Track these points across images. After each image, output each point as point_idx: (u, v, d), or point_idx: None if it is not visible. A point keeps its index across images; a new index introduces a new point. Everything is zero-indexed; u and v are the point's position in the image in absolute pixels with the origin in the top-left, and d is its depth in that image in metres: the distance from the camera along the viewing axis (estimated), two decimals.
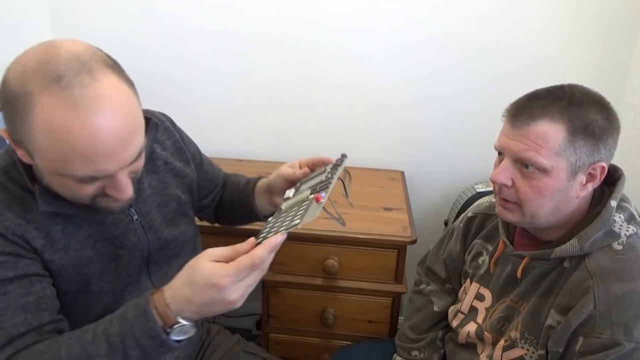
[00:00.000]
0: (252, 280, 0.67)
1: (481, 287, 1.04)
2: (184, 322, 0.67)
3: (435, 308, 1.16)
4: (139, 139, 0.72)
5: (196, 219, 1.08)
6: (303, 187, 0.92)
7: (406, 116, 1.73)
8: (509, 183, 0.86)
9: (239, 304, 0.67)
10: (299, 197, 0.85)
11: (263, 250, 0.65)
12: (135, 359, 0.69)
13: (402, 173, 1.76)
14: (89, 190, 0.72)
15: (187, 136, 1.04)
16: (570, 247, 0.85)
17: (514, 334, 0.92)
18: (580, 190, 0.85)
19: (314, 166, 1.00)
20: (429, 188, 1.81)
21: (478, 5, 1.58)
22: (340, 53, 1.68)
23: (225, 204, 1.14)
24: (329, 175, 0.88)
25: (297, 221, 0.69)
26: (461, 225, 1.14)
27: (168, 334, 0.67)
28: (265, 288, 1.41)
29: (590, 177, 0.84)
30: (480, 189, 1.60)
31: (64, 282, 0.80)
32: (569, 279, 0.85)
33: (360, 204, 1.47)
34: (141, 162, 0.77)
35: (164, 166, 0.95)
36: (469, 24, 1.60)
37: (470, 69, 1.65)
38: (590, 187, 0.85)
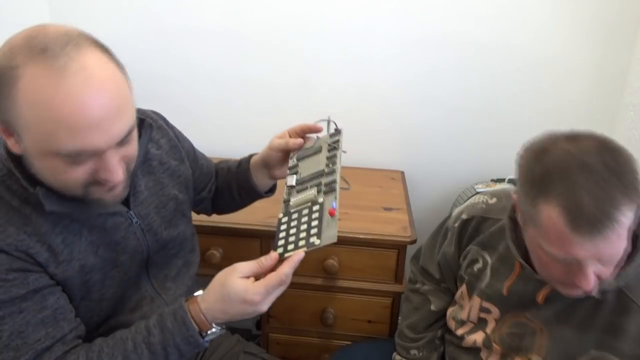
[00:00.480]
0: (278, 293, 0.78)
1: (484, 301, 1.00)
2: (216, 327, 0.78)
3: (433, 307, 1.15)
4: (128, 117, 0.70)
5: (193, 216, 1.07)
6: (303, 171, 0.95)
7: (406, 116, 1.73)
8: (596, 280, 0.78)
9: (265, 310, 0.78)
10: (306, 195, 0.89)
11: (289, 267, 0.76)
12: None
13: (402, 173, 1.76)
14: (79, 174, 0.69)
15: (180, 133, 1.04)
16: (608, 284, 0.80)
17: (535, 357, 0.91)
18: None
19: (303, 133, 1.01)
20: (429, 188, 1.81)
21: (478, 5, 1.58)
22: (340, 53, 1.68)
23: (221, 191, 1.14)
24: (330, 165, 0.92)
25: (318, 242, 0.78)
26: (455, 226, 1.08)
27: (203, 338, 0.78)
28: None
29: None
30: (480, 189, 1.60)
31: (67, 291, 0.79)
32: (618, 319, 0.83)
33: (360, 204, 1.47)
34: (132, 148, 0.75)
35: (159, 166, 0.94)
36: (469, 24, 1.60)
37: (470, 68, 1.65)
38: None
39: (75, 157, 0.67)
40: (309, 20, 1.65)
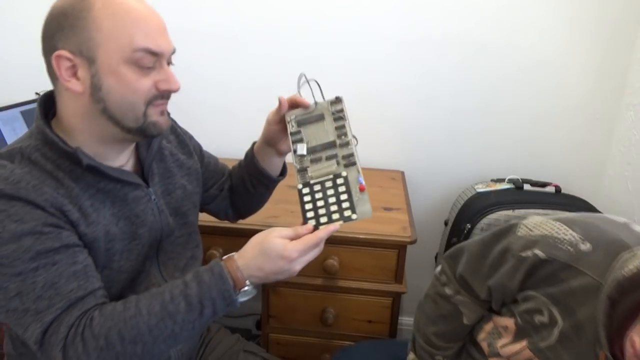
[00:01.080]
0: (311, 257, 0.83)
1: (536, 358, 0.86)
2: (249, 287, 0.81)
3: (465, 321, 1.00)
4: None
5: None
6: (310, 139, 0.94)
7: (406, 116, 1.73)
8: None
9: (296, 273, 0.82)
10: (325, 167, 0.90)
11: (324, 232, 0.82)
12: (206, 317, 0.78)
13: (402, 173, 1.76)
14: (146, 85, 0.80)
15: (186, 131, 1.09)
16: None
17: None
18: None
19: (293, 103, 1.00)
20: (429, 188, 1.81)
21: (478, 6, 1.58)
22: (340, 53, 1.68)
23: (237, 189, 1.15)
24: (342, 137, 0.93)
25: (355, 216, 0.85)
26: (525, 256, 0.85)
27: (237, 295, 0.80)
28: (265, 288, 1.41)
29: None
30: (481, 189, 1.60)
31: (94, 255, 0.82)
32: None
33: None
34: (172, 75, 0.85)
35: (170, 157, 0.99)
36: (469, 24, 1.60)
37: (470, 69, 1.65)
38: None
39: (146, 62, 0.78)
40: (308, 20, 1.65)
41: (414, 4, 1.60)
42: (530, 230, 0.88)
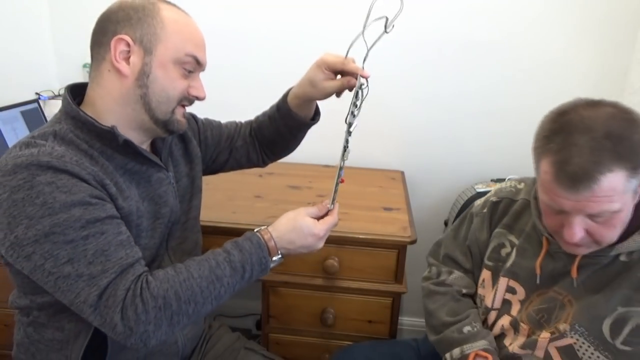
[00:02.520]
0: (327, 234, 0.97)
1: (511, 280, 1.02)
2: (278, 257, 0.92)
3: (465, 291, 1.13)
4: None
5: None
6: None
7: (406, 116, 1.73)
8: (584, 234, 0.85)
9: (320, 248, 0.96)
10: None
11: (337, 214, 0.98)
12: (246, 280, 0.88)
13: (402, 173, 1.76)
14: (183, 86, 0.89)
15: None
16: (634, 243, 0.87)
17: (563, 326, 0.92)
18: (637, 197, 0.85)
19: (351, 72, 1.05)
20: (429, 188, 1.81)
21: (478, 6, 1.58)
22: (340, 53, 1.68)
23: (272, 136, 1.19)
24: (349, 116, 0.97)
25: (331, 206, 0.98)
26: (485, 211, 1.10)
27: (271, 262, 0.91)
28: (265, 288, 1.41)
29: None
30: (480, 189, 1.60)
31: (128, 229, 0.86)
32: None
33: (360, 204, 1.47)
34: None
35: (174, 146, 1.05)
36: (470, 24, 1.60)
37: (470, 69, 1.65)
38: None
39: (189, 67, 0.89)
40: (309, 19, 1.65)
41: (415, 4, 1.60)
42: (484, 196, 1.16)
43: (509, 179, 1.14)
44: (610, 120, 0.80)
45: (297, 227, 0.93)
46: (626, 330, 0.87)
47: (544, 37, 1.59)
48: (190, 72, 0.91)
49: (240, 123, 1.25)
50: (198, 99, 0.94)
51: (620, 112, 0.81)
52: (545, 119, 0.88)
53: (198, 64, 0.92)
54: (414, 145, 1.77)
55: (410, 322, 2.01)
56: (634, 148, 0.78)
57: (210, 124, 1.19)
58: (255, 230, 0.93)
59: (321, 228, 0.94)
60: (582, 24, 1.57)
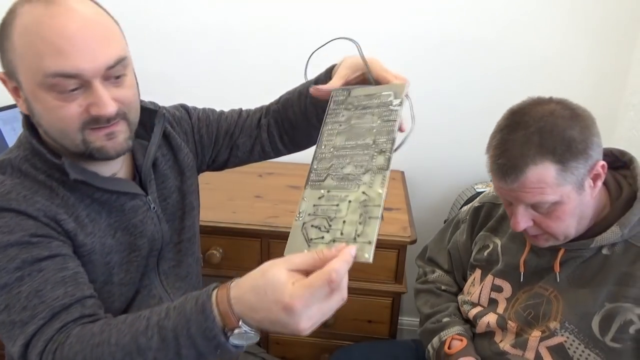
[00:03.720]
0: (328, 308, 0.57)
1: (496, 278, 1.04)
2: (246, 328, 0.58)
3: (444, 287, 1.19)
4: (115, 47, 0.72)
5: None
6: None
7: (406, 116, 1.73)
8: (531, 224, 0.90)
9: (306, 333, 0.56)
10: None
11: (340, 262, 0.56)
12: (189, 359, 0.61)
13: (402, 173, 1.76)
14: (72, 110, 0.70)
15: (174, 112, 1.01)
16: (612, 234, 0.89)
17: (553, 324, 0.93)
18: (592, 192, 0.88)
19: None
20: (429, 188, 1.81)
21: (478, 6, 1.58)
22: (341, 53, 1.67)
23: (295, 123, 1.00)
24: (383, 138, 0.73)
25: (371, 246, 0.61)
26: (467, 216, 1.16)
27: (227, 337, 0.59)
28: None
29: (596, 177, 0.87)
30: (480, 189, 1.60)
31: (92, 269, 0.79)
32: (628, 268, 0.88)
33: None
34: (127, 92, 0.75)
35: (161, 158, 0.93)
36: (469, 24, 1.60)
37: (470, 68, 1.65)
38: (599, 183, 0.88)
39: (65, 86, 0.68)
40: (309, 19, 1.65)
41: (415, 4, 1.60)
42: (471, 204, 1.19)
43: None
44: (548, 116, 0.85)
45: (260, 284, 0.56)
46: (614, 326, 0.87)
47: (544, 37, 1.59)
48: (73, 90, 0.69)
49: (247, 112, 1.06)
50: (100, 117, 0.71)
51: (561, 109, 0.86)
52: (500, 118, 0.93)
53: (73, 78, 0.68)
54: (414, 145, 1.76)
55: (410, 322, 2.01)
56: (565, 142, 0.83)
57: (206, 119, 1.02)
58: (217, 285, 0.62)
59: (296, 294, 0.54)
60: (582, 24, 1.57)
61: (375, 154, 0.70)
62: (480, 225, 1.13)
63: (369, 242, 0.61)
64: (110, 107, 0.71)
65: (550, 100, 0.89)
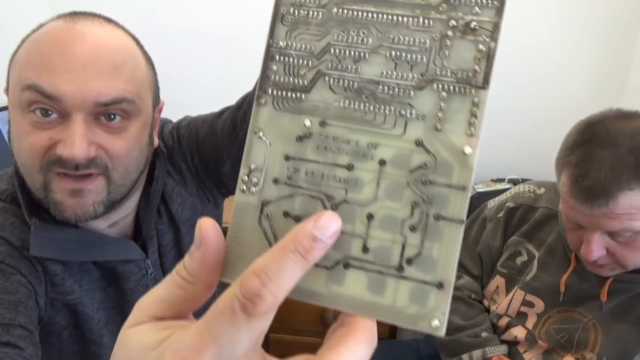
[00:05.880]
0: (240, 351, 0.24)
1: (527, 294, 0.97)
2: None
3: (473, 296, 1.09)
4: (121, 84, 0.58)
5: None
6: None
7: None
8: (604, 253, 0.81)
9: None
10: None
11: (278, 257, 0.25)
12: None
13: None
14: (39, 140, 0.56)
15: (175, 144, 0.81)
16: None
17: (590, 355, 0.89)
18: None
19: None
20: None
21: None
22: None
23: None
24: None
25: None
26: (500, 216, 1.03)
27: None
28: None
29: None
30: (481, 188, 1.60)
31: (83, 328, 0.67)
32: None
33: None
34: (118, 142, 0.59)
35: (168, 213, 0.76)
36: None
37: None
38: None
39: (36, 106, 0.56)
40: None
41: None
42: (500, 197, 1.08)
43: (526, 183, 1.08)
44: (638, 134, 0.77)
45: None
46: None
47: (544, 37, 1.59)
48: (48, 114, 0.55)
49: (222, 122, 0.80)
50: (63, 159, 0.55)
51: (634, 118, 0.79)
52: (573, 130, 0.85)
53: (50, 98, 0.54)
54: None
55: None
56: None
57: (195, 141, 0.79)
58: None
59: (174, 348, 0.23)
60: (582, 24, 1.57)
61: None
62: (514, 229, 1.02)
63: (438, 285, 0.25)
64: (78, 150, 0.54)
65: (633, 115, 0.82)
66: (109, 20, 0.64)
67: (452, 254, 0.25)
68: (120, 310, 0.70)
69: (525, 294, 0.97)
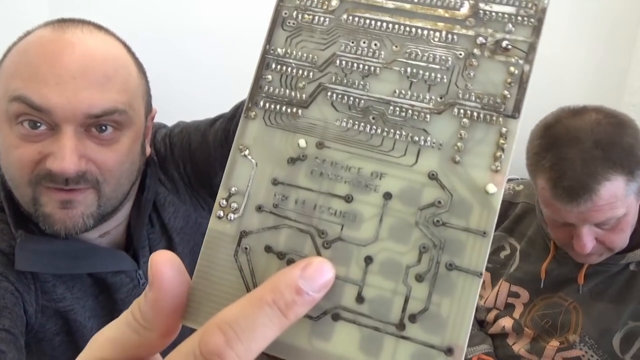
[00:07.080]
0: None
1: (512, 285, 1.02)
2: None
3: None
4: (113, 95, 0.57)
5: None
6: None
7: None
8: (595, 243, 0.85)
9: None
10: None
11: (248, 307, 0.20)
12: None
13: None
14: (27, 154, 0.55)
15: (167, 153, 0.79)
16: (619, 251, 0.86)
17: (573, 337, 0.92)
18: None
19: None
20: None
21: None
22: None
23: None
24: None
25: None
26: None
27: None
28: None
29: None
30: None
31: (76, 334, 0.66)
32: None
33: None
34: (110, 154, 0.58)
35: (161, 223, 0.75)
36: None
37: None
38: None
39: (24, 117, 0.55)
40: None
41: None
42: None
43: (508, 180, 1.13)
44: (596, 127, 0.80)
45: None
46: (637, 345, 0.86)
47: (544, 37, 1.59)
48: (36, 126, 0.54)
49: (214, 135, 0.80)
50: (53, 173, 0.54)
51: (605, 117, 0.82)
52: (533, 135, 0.87)
53: (39, 112, 0.54)
54: None
55: None
56: (627, 151, 0.79)
57: (187, 150, 0.78)
58: None
59: None
60: (582, 24, 1.57)
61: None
62: (497, 225, 1.06)
63: (447, 351, 0.21)
64: (68, 164, 0.54)
65: (586, 109, 0.85)
66: (99, 27, 0.63)
67: (466, 314, 0.21)
68: (112, 318, 0.62)
69: (510, 285, 1.01)
